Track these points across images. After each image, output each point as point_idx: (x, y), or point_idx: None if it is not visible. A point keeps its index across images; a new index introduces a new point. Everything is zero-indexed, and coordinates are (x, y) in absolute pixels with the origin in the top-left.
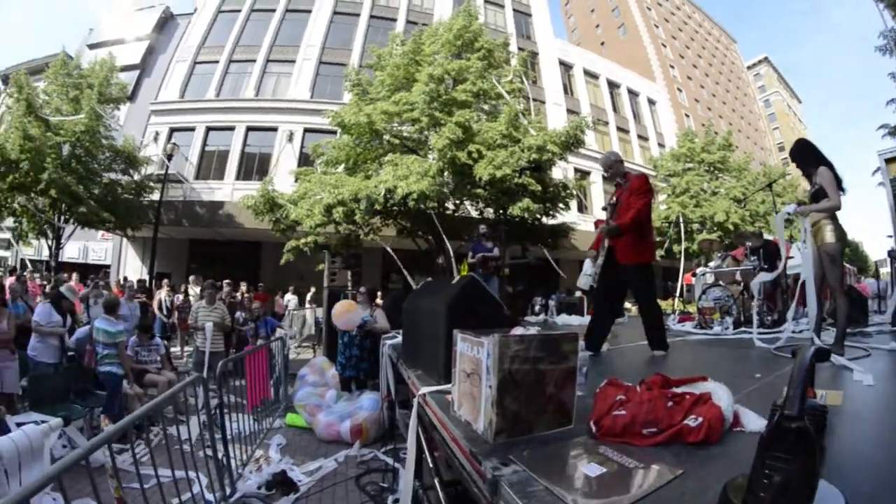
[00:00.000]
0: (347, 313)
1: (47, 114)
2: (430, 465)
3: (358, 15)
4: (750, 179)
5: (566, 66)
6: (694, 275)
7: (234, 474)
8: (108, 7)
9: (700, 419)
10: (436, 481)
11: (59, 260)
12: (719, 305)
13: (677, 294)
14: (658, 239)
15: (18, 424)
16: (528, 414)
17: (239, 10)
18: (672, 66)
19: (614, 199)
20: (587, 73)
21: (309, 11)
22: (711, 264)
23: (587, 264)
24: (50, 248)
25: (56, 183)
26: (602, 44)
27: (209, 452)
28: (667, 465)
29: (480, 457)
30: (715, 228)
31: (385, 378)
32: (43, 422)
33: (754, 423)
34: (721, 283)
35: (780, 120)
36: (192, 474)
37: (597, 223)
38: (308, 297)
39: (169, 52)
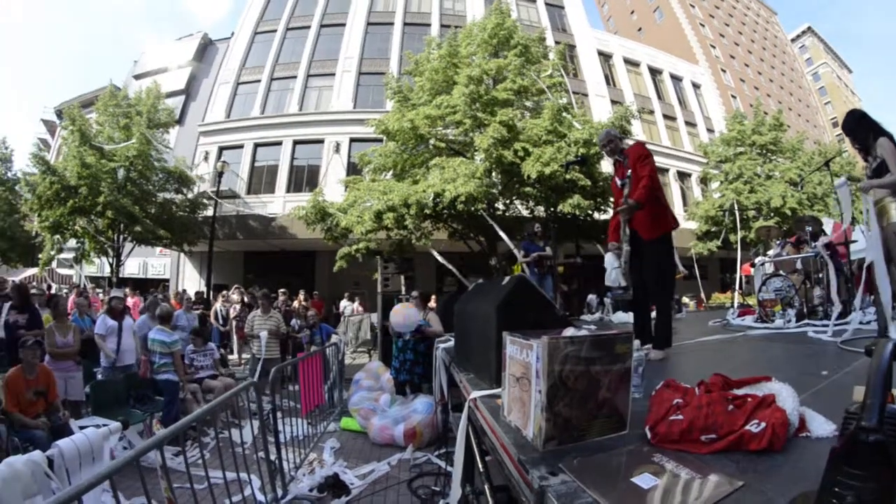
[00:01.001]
0: (404, 314)
1: (101, 142)
2: (481, 470)
3: (391, 24)
4: (805, 160)
5: (605, 57)
6: (753, 265)
7: (287, 477)
8: (150, 39)
9: (763, 424)
10: (486, 486)
11: (120, 276)
12: (780, 297)
13: (736, 286)
14: (713, 228)
15: (81, 428)
16: (580, 420)
17: (275, 31)
18: (713, 47)
19: (619, 180)
20: (627, 61)
21: (343, 25)
22: (770, 252)
23: (609, 259)
24: (111, 265)
25: (112, 205)
26: (639, 30)
27: (262, 455)
28: (726, 476)
29: (528, 465)
30: (772, 214)
31: (439, 382)
32: (104, 425)
33: (822, 428)
34: (781, 272)
35: (832, 93)
36: (244, 476)
37: (612, 221)
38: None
39: (212, 76)
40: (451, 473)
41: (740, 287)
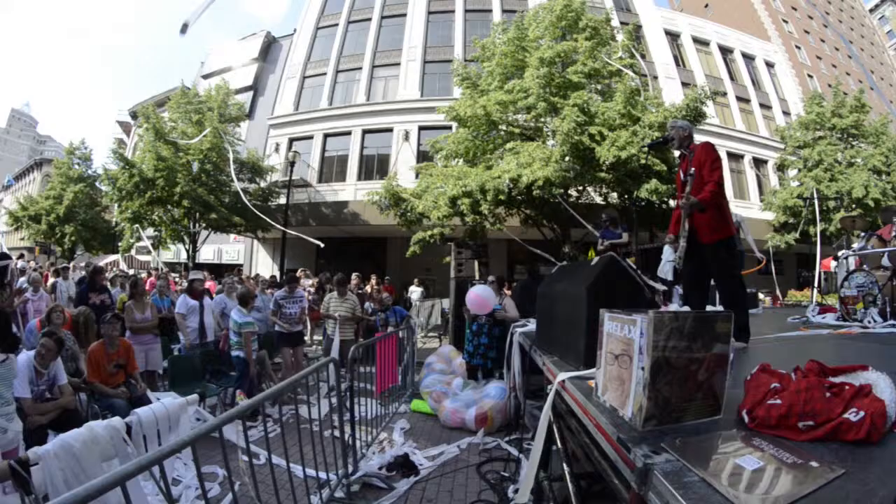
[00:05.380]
0: (481, 298)
1: (175, 137)
2: (562, 455)
3: (453, 11)
4: (890, 145)
5: (673, 36)
6: (835, 258)
7: (358, 454)
8: (215, 41)
9: (862, 413)
10: (566, 472)
11: (196, 262)
12: (862, 294)
13: (815, 283)
14: (791, 220)
15: (158, 398)
16: (679, 400)
17: (336, 25)
18: (785, 21)
19: (682, 172)
20: (696, 40)
21: (404, 15)
22: (855, 246)
23: (666, 251)
24: (187, 251)
25: (188, 194)
26: (706, 6)
27: (336, 433)
28: (826, 462)
29: (629, 444)
30: (853, 206)
31: (513, 367)
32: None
33: None
34: (865, 267)
35: None
36: (317, 451)
37: (674, 213)
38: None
39: (278, 72)
40: (521, 459)
41: (818, 285)
